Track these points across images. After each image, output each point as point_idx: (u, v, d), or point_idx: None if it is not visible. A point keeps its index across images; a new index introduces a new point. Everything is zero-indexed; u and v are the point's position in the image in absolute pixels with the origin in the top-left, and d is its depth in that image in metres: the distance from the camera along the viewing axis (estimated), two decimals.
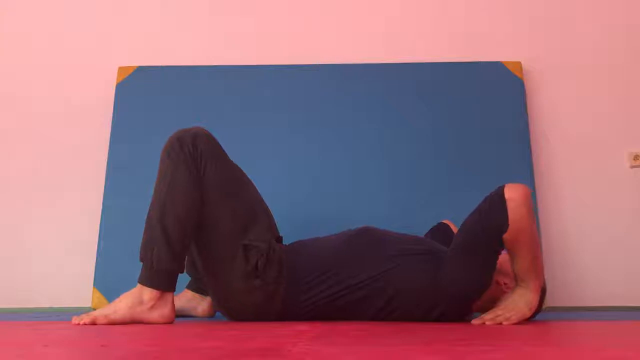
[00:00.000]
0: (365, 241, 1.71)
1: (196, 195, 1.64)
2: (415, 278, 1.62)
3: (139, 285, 1.60)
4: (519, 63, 2.59)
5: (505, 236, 1.51)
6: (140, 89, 2.59)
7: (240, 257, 1.64)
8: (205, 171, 1.66)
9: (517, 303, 1.56)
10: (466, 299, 1.62)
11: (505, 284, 1.65)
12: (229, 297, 1.68)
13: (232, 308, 1.70)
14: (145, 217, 1.65)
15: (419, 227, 2.08)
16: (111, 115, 2.56)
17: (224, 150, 1.74)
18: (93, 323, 1.51)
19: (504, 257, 1.62)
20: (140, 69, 2.62)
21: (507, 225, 1.50)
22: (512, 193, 1.52)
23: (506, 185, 1.55)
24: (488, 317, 1.55)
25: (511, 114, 2.53)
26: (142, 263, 1.61)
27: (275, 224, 1.80)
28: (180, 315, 1.93)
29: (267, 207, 1.80)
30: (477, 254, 1.57)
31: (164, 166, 1.66)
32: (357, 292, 1.64)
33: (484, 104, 2.54)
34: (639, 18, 2.66)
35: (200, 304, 1.95)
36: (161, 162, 1.67)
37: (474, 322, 1.54)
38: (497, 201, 1.53)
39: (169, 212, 1.60)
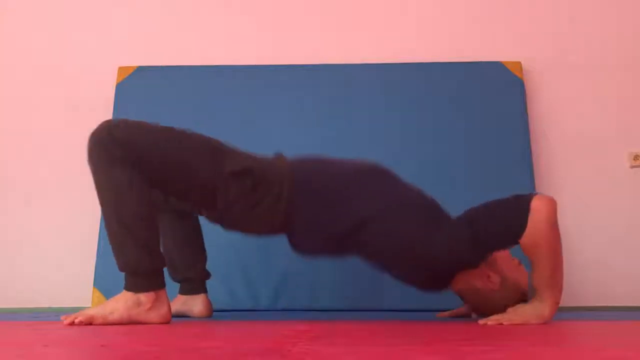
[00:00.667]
0: (374, 179, 1.71)
1: (144, 187, 1.59)
2: (407, 229, 1.62)
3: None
4: (519, 63, 2.59)
5: (522, 241, 1.53)
6: (140, 89, 2.58)
7: (233, 184, 1.62)
8: (142, 158, 1.59)
9: (525, 310, 1.57)
10: (443, 265, 1.62)
11: (488, 276, 1.66)
12: (233, 223, 1.70)
13: (240, 228, 1.73)
14: (105, 228, 1.60)
15: None
16: (111, 115, 2.56)
17: (145, 123, 1.66)
18: (89, 323, 1.50)
19: (503, 252, 1.62)
20: (140, 69, 2.62)
21: (522, 233, 1.52)
22: (540, 204, 1.52)
23: (537, 195, 1.55)
24: (493, 318, 1.56)
25: (511, 114, 2.53)
26: (123, 272, 1.59)
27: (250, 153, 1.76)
28: (178, 316, 1.93)
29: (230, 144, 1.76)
30: (479, 236, 1.57)
31: (98, 176, 1.58)
32: (353, 227, 1.64)
33: (484, 104, 2.53)
34: (639, 18, 2.66)
35: (195, 305, 1.95)
36: (94, 173, 1.59)
37: (480, 322, 1.55)
38: (522, 206, 1.53)
39: (126, 214, 1.56)
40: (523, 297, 1.69)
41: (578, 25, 2.67)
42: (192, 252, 1.97)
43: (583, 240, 2.47)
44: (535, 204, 1.52)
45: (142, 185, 1.60)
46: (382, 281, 2.33)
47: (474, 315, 1.83)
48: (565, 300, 2.42)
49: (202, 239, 2.00)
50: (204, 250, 1.99)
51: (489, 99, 2.55)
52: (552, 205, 1.53)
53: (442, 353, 0.94)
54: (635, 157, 2.54)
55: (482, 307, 1.70)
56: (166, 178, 1.64)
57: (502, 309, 1.60)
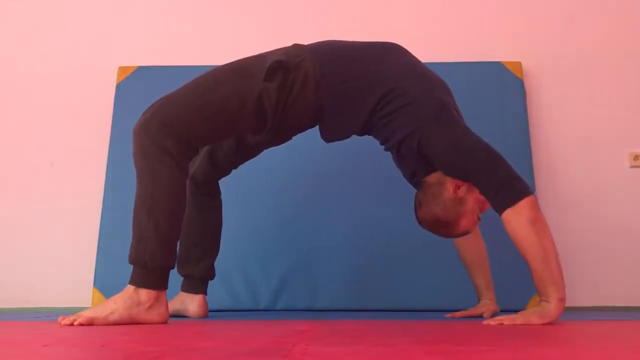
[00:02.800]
0: (390, 55, 1.84)
1: (184, 185, 1.64)
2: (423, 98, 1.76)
3: (133, 287, 1.59)
4: (519, 63, 2.59)
5: (504, 224, 1.60)
6: (140, 89, 2.58)
7: (271, 84, 1.67)
8: (194, 135, 1.67)
9: (529, 310, 1.59)
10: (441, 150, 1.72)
11: (459, 187, 1.74)
12: (281, 129, 1.75)
13: (288, 131, 1.83)
14: (132, 216, 1.61)
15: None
16: (111, 115, 2.56)
17: (174, 98, 1.73)
18: (90, 324, 1.50)
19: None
20: (140, 69, 2.62)
21: (506, 208, 1.60)
22: (526, 204, 1.59)
23: (531, 196, 1.61)
24: (495, 318, 1.57)
25: (511, 114, 2.52)
26: (133, 265, 1.60)
27: None
28: (174, 315, 1.93)
29: None
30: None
31: (143, 161, 1.61)
32: (376, 103, 1.73)
33: (484, 104, 2.53)
34: (639, 18, 2.66)
35: (191, 304, 1.95)
36: (140, 157, 1.62)
37: (485, 322, 1.56)
38: (516, 195, 1.61)
39: (159, 207, 1.59)
40: (449, 228, 1.77)
41: (578, 26, 2.67)
42: (203, 249, 1.97)
43: (583, 240, 2.47)
44: (525, 202, 1.58)
45: (183, 183, 1.63)
46: (382, 281, 2.34)
47: (485, 316, 1.83)
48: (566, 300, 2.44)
49: (219, 237, 2.00)
50: (216, 248, 2.00)
51: (489, 99, 2.55)
52: (534, 207, 1.60)
53: (442, 353, 0.94)
54: (635, 157, 2.54)
55: (424, 199, 1.79)
56: (224, 125, 1.71)
57: (433, 212, 1.75)
